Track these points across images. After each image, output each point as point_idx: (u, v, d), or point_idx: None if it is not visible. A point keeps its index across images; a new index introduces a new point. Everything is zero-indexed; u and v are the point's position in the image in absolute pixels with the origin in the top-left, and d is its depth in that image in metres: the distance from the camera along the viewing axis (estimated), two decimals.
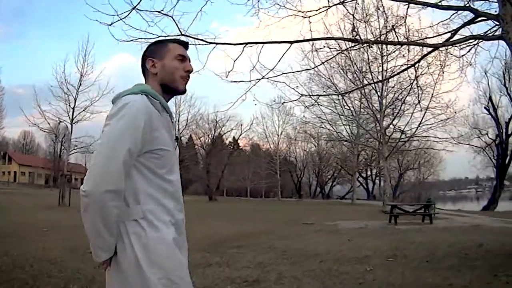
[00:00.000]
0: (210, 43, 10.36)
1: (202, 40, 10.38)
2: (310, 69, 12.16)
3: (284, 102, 13.36)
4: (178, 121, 51.49)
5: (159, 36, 9.68)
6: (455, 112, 30.24)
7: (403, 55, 17.33)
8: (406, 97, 30.19)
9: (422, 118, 31.09)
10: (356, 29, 10.95)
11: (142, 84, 2.29)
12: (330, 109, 39.31)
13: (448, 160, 72.14)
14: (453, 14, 11.23)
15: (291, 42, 10.85)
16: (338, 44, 13.29)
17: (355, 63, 29.34)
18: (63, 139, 76.53)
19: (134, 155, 2.03)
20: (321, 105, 37.09)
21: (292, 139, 63.17)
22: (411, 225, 18.31)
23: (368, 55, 27.81)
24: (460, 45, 13.61)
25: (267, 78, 11.40)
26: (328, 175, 75.87)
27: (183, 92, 2.39)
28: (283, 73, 11.35)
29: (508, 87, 40.48)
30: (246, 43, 10.67)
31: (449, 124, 31.80)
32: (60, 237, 12.15)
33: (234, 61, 10.96)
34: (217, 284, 6.84)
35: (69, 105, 31.58)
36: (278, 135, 64.05)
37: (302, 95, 12.92)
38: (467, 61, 14.51)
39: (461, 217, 24.12)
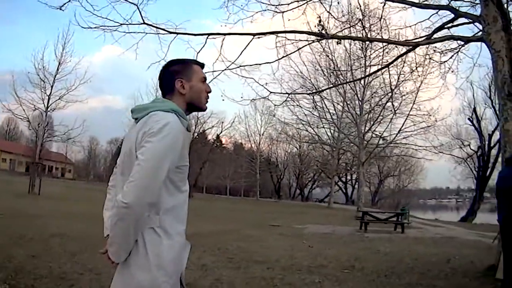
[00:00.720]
0: (171, 32, 10.17)
1: (163, 29, 10.20)
2: (270, 62, 11.32)
3: (253, 99, 12.43)
4: None
5: (121, 25, 9.91)
6: (436, 120, 29.81)
7: (383, 55, 16.92)
8: (386, 102, 29.51)
9: (402, 125, 30.63)
10: (322, 23, 10.21)
11: (169, 102, 2.43)
12: (309, 110, 38.54)
13: (429, 169, 72.22)
14: (433, 14, 10.86)
15: (254, 35, 10.41)
16: (320, 44, 12.49)
17: (336, 64, 28.72)
18: (46, 127, 75.95)
19: (171, 170, 2.24)
20: (301, 106, 36.43)
21: (273, 139, 62.32)
22: (382, 233, 17.56)
23: (350, 55, 27.15)
24: (442, 51, 13.14)
25: (230, 69, 10.94)
26: (309, 177, 75.31)
27: (205, 110, 2.63)
28: (239, 66, 10.89)
29: (493, 100, 39.81)
30: (209, 34, 10.38)
31: (429, 132, 31.43)
32: (12, 223, 12.02)
33: (198, 52, 10.65)
34: None
35: (45, 93, 30.74)
36: (260, 135, 63.26)
37: (271, 92, 12.17)
38: (448, 67, 14.36)
39: (436, 228, 23.44)
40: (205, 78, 2.60)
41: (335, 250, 11.39)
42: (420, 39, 10.40)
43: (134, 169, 2.16)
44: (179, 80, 2.48)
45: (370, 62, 25.59)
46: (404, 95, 28.77)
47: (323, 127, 41.36)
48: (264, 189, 75.99)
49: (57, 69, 31.06)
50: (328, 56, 29.56)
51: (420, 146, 33.28)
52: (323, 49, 28.76)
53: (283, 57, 11.19)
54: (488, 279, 7.75)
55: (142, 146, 2.19)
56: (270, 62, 11.33)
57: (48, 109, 31.13)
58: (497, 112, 39.58)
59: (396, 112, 28.25)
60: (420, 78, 25.29)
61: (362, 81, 29.28)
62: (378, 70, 13.17)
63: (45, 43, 57.37)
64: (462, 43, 12.41)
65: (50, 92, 30.81)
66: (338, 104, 36.60)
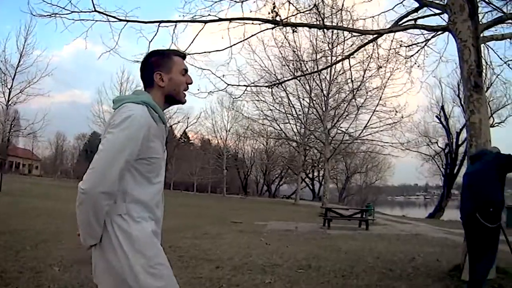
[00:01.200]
0: (121, 20, 9.73)
1: (113, 17, 9.71)
2: (219, 50, 10.76)
3: (210, 92, 11.83)
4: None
5: (72, 12, 9.47)
6: (402, 117, 29.69)
7: (349, 49, 16.59)
8: (351, 99, 29.35)
9: (368, 121, 30.48)
10: (276, 9, 9.69)
11: (144, 94, 2.50)
12: (275, 106, 38.01)
13: (397, 166, 72.85)
14: (398, 4, 10.56)
15: (205, 22, 9.96)
16: (286, 37, 12.04)
17: (301, 57, 28.33)
18: (12, 122, 73.88)
19: (130, 163, 2.31)
20: (266, 102, 35.95)
21: (240, 135, 61.77)
22: (345, 230, 17.16)
23: (315, 49, 26.76)
24: (408, 45, 12.80)
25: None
26: (276, 174, 75.23)
27: (184, 102, 2.68)
28: (189, 54, 10.12)
29: (461, 98, 40.16)
30: (160, 21, 9.95)
31: (396, 129, 31.38)
32: None
33: (150, 41, 10.21)
34: (87, 284, 6.02)
35: (6, 86, 29.35)
36: (226, 131, 62.60)
37: (228, 84, 11.66)
38: (414, 62, 14.09)
39: (402, 224, 23.17)
40: (186, 70, 2.62)
41: (294, 248, 10.91)
42: (383, 30, 9.99)
43: (94, 157, 2.26)
44: (158, 73, 2.52)
45: (336, 56, 25.39)
46: (370, 91, 28.67)
47: (289, 123, 40.97)
48: (232, 186, 75.67)
49: (19, 62, 29.66)
50: (294, 51, 29.23)
51: (386, 143, 33.30)
52: (289, 43, 28.40)
53: (234, 44, 10.51)
54: (452, 281, 7.33)
55: (104, 137, 2.30)
56: (219, 50, 10.73)
57: (9, 103, 29.56)
58: (464, 109, 40.27)
59: (360, 108, 28.35)
60: (387, 75, 25.25)
61: (328, 77, 29.13)
62: (339, 61, 12.66)
63: (7, 34, 55.87)
64: (429, 35, 12.27)
65: (11, 85, 29.37)
66: (304, 99, 36.31)
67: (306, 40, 26.62)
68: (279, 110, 38.30)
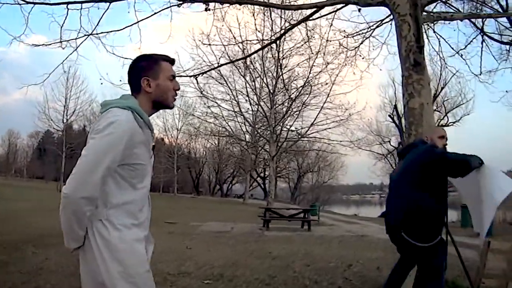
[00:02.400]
0: (29, 2, 8.64)
1: None
2: (117, 30, 9.28)
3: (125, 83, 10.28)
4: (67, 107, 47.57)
5: None
6: (350, 114, 28.94)
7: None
8: (297, 95, 28.50)
9: (315, 119, 29.60)
10: None
11: (131, 99, 2.48)
12: (221, 105, 36.41)
13: (351, 165, 72.86)
14: None
15: (110, 1, 8.60)
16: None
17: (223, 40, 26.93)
18: None
19: (112, 169, 2.29)
20: (212, 100, 34.49)
21: (192, 134, 60.13)
22: (285, 231, 15.94)
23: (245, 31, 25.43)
24: (352, 35, 12.36)
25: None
26: (228, 173, 74.03)
27: (173, 107, 2.69)
28: (90, 34, 9.04)
29: None
30: (68, 3, 8.61)
31: (344, 126, 30.55)
32: None
33: (61, 26, 8.91)
34: None
35: None
36: (177, 129, 60.89)
37: None
38: (359, 55, 13.30)
39: (350, 224, 21.99)
40: (173, 76, 2.61)
41: (216, 253, 9.77)
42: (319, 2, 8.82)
43: (77, 162, 2.26)
44: (145, 79, 2.50)
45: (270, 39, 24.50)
46: (318, 88, 27.82)
47: (237, 121, 39.39)
48: (185, 185, 74.50)
49: None
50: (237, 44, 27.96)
51: (333, 141, 32.36)
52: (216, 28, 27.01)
53: (137, 22, 9.15)
54: None
55: (87, 142, 2.29)
56: (117, 30, 9.28)
57: None
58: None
59: (307, 105, 27.44)
60: (335, 71, 24.55)
61: (274, 73, 28.21)
62: (267, 45, 11.34)
63: None
64: (374, 25, 11.40)
65: None
66: (253, 97, 34.92)
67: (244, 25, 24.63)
68: (227, 109, 36.78)
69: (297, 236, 14.58)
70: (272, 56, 27.90)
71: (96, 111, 56.32)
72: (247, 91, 34.15)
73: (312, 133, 31.35)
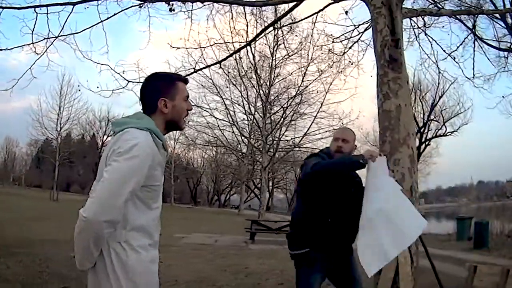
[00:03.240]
0: None
1: None
2: (78, 32, 8.65)
3: (113, 90, 9.60)
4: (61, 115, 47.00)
5: None
6: (343, 124, 28.21)
7: None
8: (289, 105, 27.89)
9: (308, 128, 28.97)
10: None
11: (146, 119, 2.42)
12: (216, 116, 35.59)
13: None
14: None
15: (74, 4, 8.04)
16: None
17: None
18: None
19: (135, 193, 2.25)
20: (207, 111, 33.69)
21: (189, 144, 59.44)
22: (272, 244, 15.12)
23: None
24: (340, 40, 12.04)
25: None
26: (226, 183, 73.17)
27: (183, 129, 2.80)
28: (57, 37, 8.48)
29: (413, 107, 39.13)
30: (35, 6, 8.20)
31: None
32: None
33: (32, 30, 8.45)
34: None
35: None
36: (175, 139, 60.17)
37: (129, 81, 9.41)
38: (349, 61, 13.00)
39: None
40: (187, 96, 2.59)
41: (187, 267, 9.32)
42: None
43: (98, 185, 2.22)
44: (163, 100, 2.45)
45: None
46: (307, 93, 27.19)
47: (231, 131, 38.62)
48: (183, 196, 73.99)
49: None
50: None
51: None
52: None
53: (102, 21, 8.50)
54: None
55: (109, 164, 2.22)
56: (77, 32, 8.64)
57: None
58: (415, 118, 39.24)
59: (301, 115, 26.82)
60: (329, 80, 24.00)
61: (268, 82, 27.58)
62: (241, 48, 10.49)
63: None
64: (362, 28, 10.82)
65: None
66: (249, 107, 34.15)
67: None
68: (221, 119, 35.95)
69: (282, 250, 13.77)
70: (268, 66, 27.36)
71: (92, 120, 55.55)
72: (242, 101, 33.59)
73: (306, 143, 30.70)
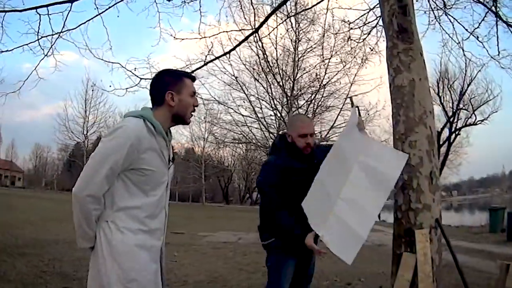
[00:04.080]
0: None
1: None
2: (72, 29, 8.49)
3: (128, 89, 9.13)
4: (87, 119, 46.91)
5: None
6: (368, 114, 27.13)
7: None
8: (313, 98, 26.98)
9: (335, 121, 28.02)
10: None
11: (146, 109, 2.59)
12: (241, 113, 34.85)
13: None
14: None
15: (71, 1, 8.14)
16: None
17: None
18: None
19: (116, 170, 2.39)
20: (232, 108, 33.01)
21: (219, 143, 59.04)
22: None
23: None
24: (359, 26, 11.45)
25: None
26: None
27: (189, 123, 2.77)
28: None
29: (441, 96, 37.80)
30: (37, 7, 8.19)
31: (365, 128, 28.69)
32: None
33: (37, 32, 8.53)
34: None
35: None
36: (204, 139, 59.75)
37: (141, 78, 9.16)
38: (370, 48, 12.81)
39: (371, 232, 20.11)
40: (194, 92, 2.70)
41: (202, 266, 8.92)
42: None
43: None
44: (170, 93, 2.59)
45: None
46: (331, 84, 26.25)
47: (260, 128, 37.86)
48: (215, 194, 74.63)
49: None
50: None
51: None
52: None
53: (100, 13, 8.17)
54: None
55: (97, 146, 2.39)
56: (73, 29, 8.39)
57: None
58: (444, 107, 37.90)
59: (326, 107, 25.93)
60: (353, 71, 23.15)
61: (292, 76, 26.79)
62: (247, 37, 9.74)
63: None
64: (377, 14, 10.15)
65: None
66: (272, 104, 33.28)
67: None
68: (248, 116, 35.15)
69: None
70: (292, 60, 26.63)
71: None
72: (268, 97, 32.82)
73: (333, 137, 29.74)
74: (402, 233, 4.23)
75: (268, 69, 26.51)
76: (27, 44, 8.46)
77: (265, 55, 26.06)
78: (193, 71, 9.68)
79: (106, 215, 2.42)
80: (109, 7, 8.05)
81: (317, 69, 26.59)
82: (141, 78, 9.15)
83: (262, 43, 23.87)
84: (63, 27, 8.42)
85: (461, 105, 36.31)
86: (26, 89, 8.93)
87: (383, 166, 3.72)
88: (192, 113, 2.72)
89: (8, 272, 7.01)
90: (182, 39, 9.16)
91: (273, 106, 29.98)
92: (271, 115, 34.15)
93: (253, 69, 27.79)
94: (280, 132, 3.90)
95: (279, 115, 30.64)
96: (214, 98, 28.75)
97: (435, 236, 4.13)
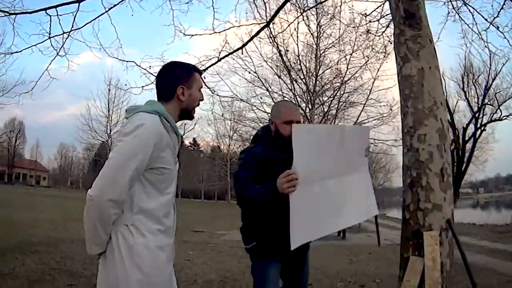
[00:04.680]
0: (11, 13, 8.23)
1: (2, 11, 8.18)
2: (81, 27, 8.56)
3: (143, 87, 8.97)
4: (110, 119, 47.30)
5: None
6: (391, 109, 26.33)
7: None
8: (335, 94, 26.46)
9: (358, 117, 27.26)
10: None
11: (157, 104, 2.41)
12: (262, 111, 34.39)
13: None
14: None
15: (79, 1, 8.20)
16: None
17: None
18: (18, 134, 72.54)
19: (140, 172, 2.22)
20: (253, 104, 32.63)
21: (244, 140, 58.71)
22: (317, 240, 14.01)
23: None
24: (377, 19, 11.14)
25: None
26: None
27: (193, 119, 2.60)
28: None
29: (466, 91, 36.79)
30: (46, 8, 8.22)
31: (388, 124, 27.84)
32: None
33: (49, 34, 8.52)
34: None
35: None
36: (229, 137, 59.56)
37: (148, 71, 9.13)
38: (389, 41, 12.24)
39: (393, 230, 19.13)
40: (201, 87, 2.59)
41: (216, 265, 8.65)
42: None
43: (104, 165, 2.18)
44: (181, 87, 2.45)
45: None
46: (354, 79, 25.69)
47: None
48: None
49: None
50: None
51: (375, 139, 29.71)
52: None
53: (107, 11, 8.11)
54: None
55: (115, 145, 2.25)
56: (81, 27, 8.40)
57: None
58: (469, 103, 36.93)
59: (349, 102, 25.39)
60: (376, 66, 22.57)
61: (314, 73, 26.36)
62: (259, 31, 9.40)
63: None
64: None
65: None
66: (294, 101, 32.76)
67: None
68: (269, 113, 34.67)
69: (326, 246, 12.67)
70: (314, 56, 26.15)
71: None
72: (292, 94, 32.40)
73: None
74: (410, 235, 3.87)
75: (290, 66, 25.98)
76: (35, 45, 8.46)
77: (287, 51, 25.69)
78: (208, 67, 9.56)
79: (125, 218, 2.23)
80: (114, 5, 8.05)
81: (339, 65, 26.03)
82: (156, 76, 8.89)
83: (283, 39, 23.45)
84: (72, 26, 8.44)
85: (486, 100, 35.04)
86: (49, 90, 8.86)
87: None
88: (197, 107, 2.59)
89: (16, 269, 6.92)
90: (192, 35, 8.86)
91: (296, 103, 29.48)
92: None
93: (276, 66, 27.35)
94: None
95: (302, 112, 30.15)
96: (236, 96, 28.32)
97: (445, 238, 3.75)
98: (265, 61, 26.09)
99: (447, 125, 4.30)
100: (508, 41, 9.87)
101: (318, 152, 2.88)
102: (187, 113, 2.52)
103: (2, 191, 29.13)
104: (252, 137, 3.61)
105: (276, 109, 3.50)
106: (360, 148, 3.37)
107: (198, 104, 2.58)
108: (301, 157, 2.72)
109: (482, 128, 36.50)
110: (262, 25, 9.14)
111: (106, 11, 7.97)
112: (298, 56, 25.10)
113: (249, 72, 26.73)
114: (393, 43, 4.59)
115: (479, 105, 35.18)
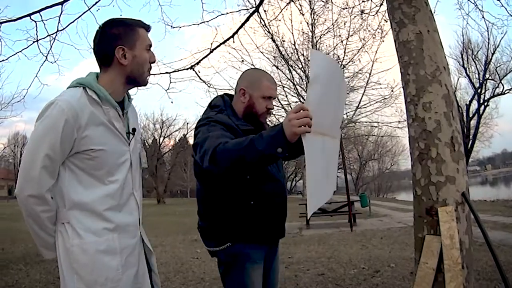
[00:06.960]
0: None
1: None
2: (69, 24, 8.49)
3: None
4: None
5: None
6: (392, 90, 25.94)
7: None
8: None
9: (360, 101, 26.95)
10: None
11: (89, 74, 2.02)
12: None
13: None
14: None
15: (62, 3, 8.07)
16: None
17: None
18: (22, 149, 72.60)
19: (56, 158, 1.84)
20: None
21: None
22: (327, 228, 13.73)
23: None
24: None
25: None
26: (291, 170, 71.93)
27: (146, 84, 2.11)
28: None
29: (467, 68, 36.24)
30: (31, 14, 8.08)
31: (391, 106, 27.50)
32: None
33: (36, 40, 8.48)
34: None
35: None
36: None
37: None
38: (385, 20, 11.49)
39: (405, 213, 18.26)
40: (150, 45, 2.06)
41: (214, 264, 7.84)
42: None
43: None
44: (121, 48, 1.96)
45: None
46: (352, 65, 25.36)
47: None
48: None
49: None
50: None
51: (379, 123, 29.38)
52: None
53: (89, 8, 8.03)
54: None
55: None
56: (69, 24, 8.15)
57: None
58: (470, 79, 36.35)
59: (350, 87, 24.98)
60: (374, 48, 22.23)
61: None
62: (248, 18, 9.09)
63: None
64: None
65: None
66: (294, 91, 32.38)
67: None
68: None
69: (337, 233, 12.33)
70: (310, 43, 25.76)
71: (146, 124, 55.80)
72: (293, 84, 32.03)
73: (360, 118, 28.77)
74: (424, 213, 3.48)
75: (288, 56, 25.65)
76: (20, 51, 8.36)
77: (283, 41, 25.39)
78: (201, 59, 9.33)
79: (60, 216, 1.90)
80: (96, 3, 7.84)
81: (336, 50, 25.69)
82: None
83: (277, 28, 23.13)
84: (57, 29, 8.24)
85: (487, 75, 34.54)
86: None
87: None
88: (149, 71, 2.09)
89: (20, 280, 6.89)
90: (180, 27, 8.61)
91: (296, 92, 29.14)
92: (296, 101, 33.42)
93: (274, 57, 27.05)
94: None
95: (303, 100, 29.80)
96: (205, 83, 28.04)
97: (462, 213, 3.36)
98: (261, 52, 25.83)
99: (452, 91, 3.91)
100: (506, 9, 9.46)
101: (328, 95, 2.24)
102: (134, 80, 2.05)
103: (8, 205, 28.87)
104: (206, 108, 2.71)
105: (255, 78, 2.67)
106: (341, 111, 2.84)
107: (150, 68, 2.09)
108: (315, 93, 2.07)
109: (485, 104, 36.09)
110: (251, 11, 8.80)
111: (89, 9, 7.77)
112: (294, 44, 24.70)
113: (246, 65, 26.50)
114: (386, 10, 4.19)
115: (481, 81, 34.78)
